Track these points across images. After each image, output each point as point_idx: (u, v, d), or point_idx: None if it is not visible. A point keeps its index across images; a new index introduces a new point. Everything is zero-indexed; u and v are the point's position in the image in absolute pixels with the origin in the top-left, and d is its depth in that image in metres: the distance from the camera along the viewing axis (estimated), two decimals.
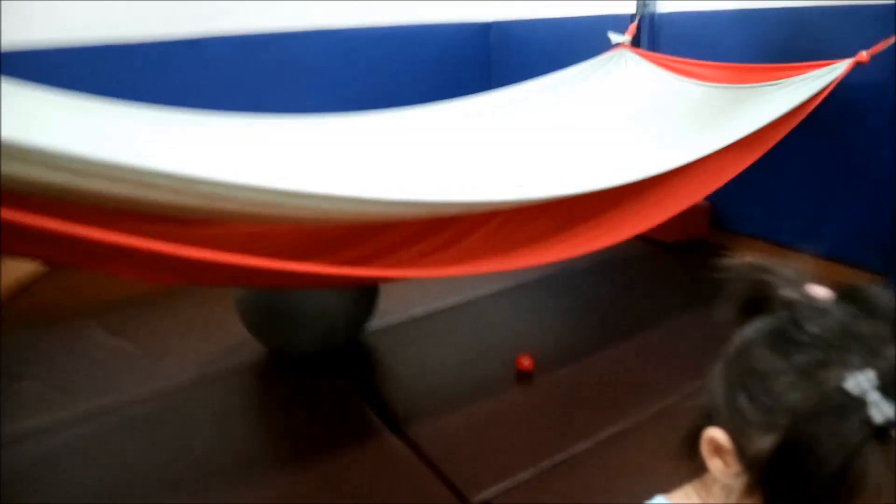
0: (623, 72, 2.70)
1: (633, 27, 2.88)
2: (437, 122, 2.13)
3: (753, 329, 0.58)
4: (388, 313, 2.36)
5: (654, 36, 3.00)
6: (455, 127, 2.17)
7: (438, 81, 3.76)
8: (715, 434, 0.56)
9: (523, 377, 2.08)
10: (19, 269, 2.41)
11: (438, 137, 2.08)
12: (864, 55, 2.16)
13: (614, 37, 2.84)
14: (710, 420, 0.57)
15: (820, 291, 0.57)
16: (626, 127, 2.40)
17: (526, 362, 2.09)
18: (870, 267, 2.65)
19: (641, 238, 2.00)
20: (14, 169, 0.95)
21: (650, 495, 0.72)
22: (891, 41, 2.16)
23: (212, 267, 1.19)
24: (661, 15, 3.02)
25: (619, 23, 2.96)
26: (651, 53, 2.77)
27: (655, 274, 2.91)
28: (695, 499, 0.65)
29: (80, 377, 2.08)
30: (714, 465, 0.56)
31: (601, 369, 2.13)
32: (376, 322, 2.29)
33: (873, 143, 2.53)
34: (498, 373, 2.10)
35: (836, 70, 2.15)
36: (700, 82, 2.50)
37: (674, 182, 2.04)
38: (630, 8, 3.04)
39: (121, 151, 1.07)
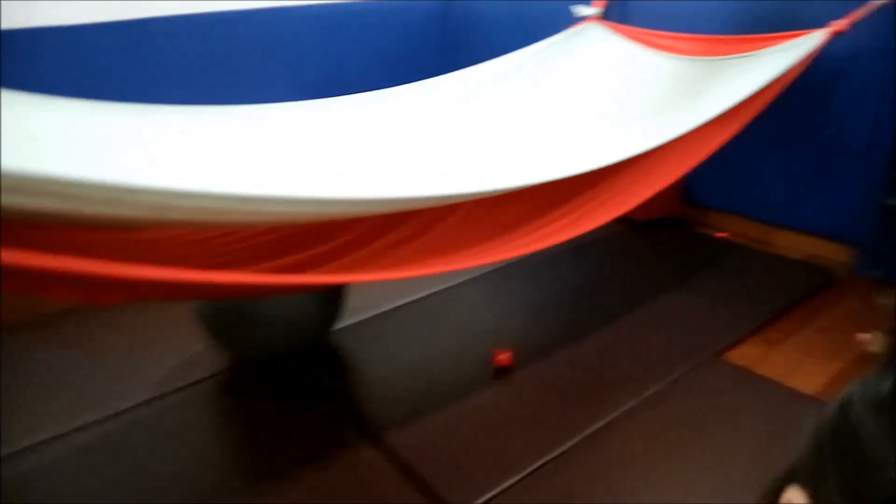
0: (592, 47, 2.59)
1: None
2: (396, 109, 1.99)
3: (863, 387, 0.49)
4: (356, 309, 2.24)
5: (623, 8, 2.89)
6: (416, 113, 2.03)
7: (394, 64, 3.60)
8: (793, 498, 0.50)
9: (502, 372, 1.99)
10: None
11: (398, 125, 1.94)
12: (842, 23, 2.09)
13: (579, 10, 2.72)
14: (795, 478, 0.49)
15: None
16: (598, 106, 2.29)
17: (503, 357, 2.00)
18: (847, 239, 2.63)
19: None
20: None
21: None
22: (868, 9, 2.10)
23: (147, 285, 1.05)
24: None
25: None
26: (621, 26, 2.67)
27: (629, 254, 2.84)
28: None
29: (24, 402, 1.91)
30: None
31: (582, 359, 2.06)
32: (345, 320, 2.17)
33: (851, 114, 2.49)
34: (476, 369, 2.00)
35: (814, 39, 2.08)
36: (674, 56, 2.41)
37: (651, 161, 1.95)
38: None
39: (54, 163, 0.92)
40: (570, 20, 2.75)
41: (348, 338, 2.19)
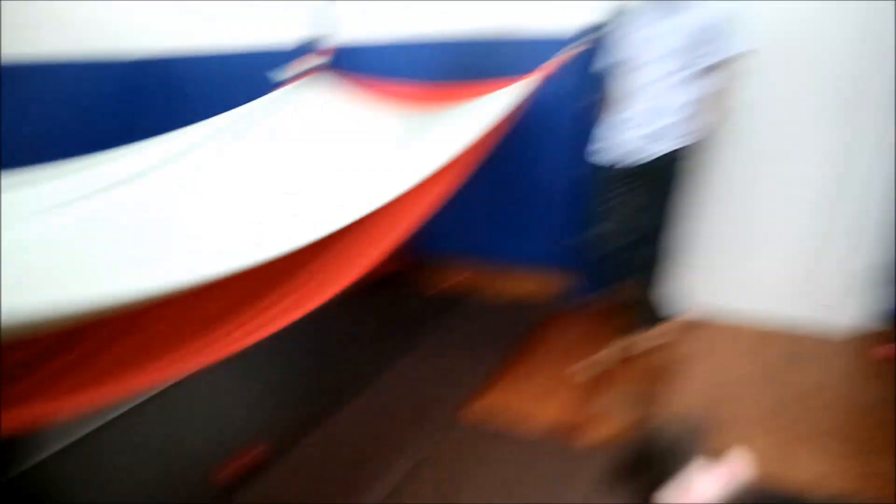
0: (316, 101, 2.46)
1: (326, 50, 2.68)
2: (59, 188, 1.62)
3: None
4: (47, 439, 1.82)
5: (345, 63, 2.84)
6: (99, 191, 1.69)
7: (77, 130, 3.14)
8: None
9: (251, 473, 1.73)
10: None
11: (72, 209, 1.58)
12: (550, 68, 2.22)
13: (281, 74, 2.58)
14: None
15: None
16: (323, 166, 2.15)
17: (247, 457, 1.76)
18: (559, 273, 2.86)
19: None
20: None
21: None
22: (571, 54, 2.28)
23: None
24: (350, 43, 2.86)
25: (297, 54, 2.72)
26: (349, 78, 2.59)
27: (361, 317, 2.76)
28: None
29: None
30: None
31: (328, 445, 1.91)
32: (32, 456, 1.74)
33: (550, 158, 2.72)
34: (216, 478, 1.72)
35: (528, 84, 2.19)
36: (403, 105, 2.38)
37: (384, 218, 1.86)
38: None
39: None
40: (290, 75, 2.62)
41: (57, 467, 1.76)
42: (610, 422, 2.01)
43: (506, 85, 2.23)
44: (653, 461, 0.53)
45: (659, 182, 2.26)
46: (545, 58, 2.27)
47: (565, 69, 2.30)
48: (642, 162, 2.23)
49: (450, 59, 2.75)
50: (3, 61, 2.95)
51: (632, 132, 2.23)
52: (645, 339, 2.44)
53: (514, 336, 2.54)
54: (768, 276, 2.62)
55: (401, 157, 2.17)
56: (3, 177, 1.58)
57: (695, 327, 2.62)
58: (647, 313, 2.44)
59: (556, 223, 2.78)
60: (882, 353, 2.36)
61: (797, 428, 1.97)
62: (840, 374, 2.30)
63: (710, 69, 2.13)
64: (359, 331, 2.66)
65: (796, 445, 1.88)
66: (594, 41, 2.37)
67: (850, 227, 2.44)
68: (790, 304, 2.60)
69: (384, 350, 2.44)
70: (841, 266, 2.49)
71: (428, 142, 2.18)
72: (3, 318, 0.96)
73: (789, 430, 1.96)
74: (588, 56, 2.38)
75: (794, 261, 2.57)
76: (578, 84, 2.49)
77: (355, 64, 2.75)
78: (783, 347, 2.46)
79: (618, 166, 2.29)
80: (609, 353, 2.41)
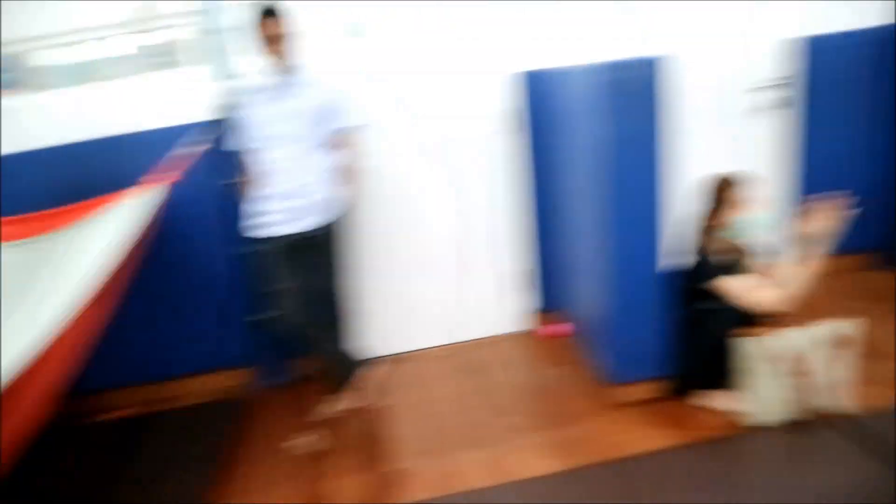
0: None
1: None
2: None
3: None
4: None
5: None
6: None
7: None
8: None
9: None
10: None
11: None
12: (175, 174, 2.13)
13: None
14: None
15: None
16: None
17: None
18: (244, 363, 2.73)
19: None
20: None
21: None
22: (193, 157, 2.21)
23: None
24: None
25: None
26: None
27: (52, 466, 2.25)
28: None
29: None
30: None
31: None
32: None
33: (204, 252, 2.60)
34: None
35: (156, 192, 2.04)
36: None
37: (34, 370, 1.51)
38: None
39: None
40: None
41: None
42: (350, 484, 2.03)
43: (129, 196, 2.05)
44: None
45: (317, 251, 2.31)
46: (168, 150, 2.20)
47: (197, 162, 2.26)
48: (295, 235, 2.26)
49: (61, 169, 2.43)
50: None
51: (277, 209, 2.25)
52: (348, 397, 2.45)
53: (221, 437, 2.33)
54: (436, 309, 2.92)
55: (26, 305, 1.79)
56: None
57: (391, 372, 2.74)
58: (342, 373, 2.45)
59: (229, 315, 2.65)
60: (543, 333, 2.90)
61: (506, 426, 2.24)
62: (521, 367, 2.71)
63: (334, 143, 2.29)
64: (53, 486, 2.17)
65: (510, 443, 2.13)
66: (218, 130, 2.37)
67: (494, 250, 2.91)
68: (464, 325, 2.96)
69: (93, 496, 2.06)
70: (494, 282, 2.94)
71: (53, 279, 1.86)
72: None
73: (503, 430, 2.22)
74: (218, 140, 2.37)
75: (453, 289, 2.91)
76: (215, 170, 2.45)
77: None
78: (472, 360, 2.79)
79: (273, 243, 2.27)
80: (319, 421, 2.38)
